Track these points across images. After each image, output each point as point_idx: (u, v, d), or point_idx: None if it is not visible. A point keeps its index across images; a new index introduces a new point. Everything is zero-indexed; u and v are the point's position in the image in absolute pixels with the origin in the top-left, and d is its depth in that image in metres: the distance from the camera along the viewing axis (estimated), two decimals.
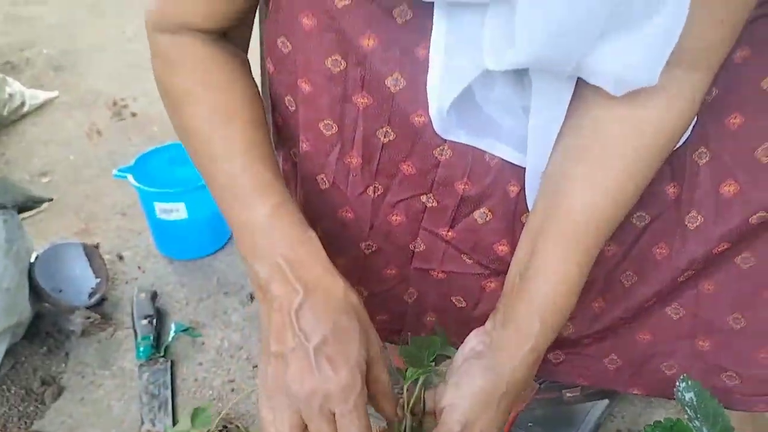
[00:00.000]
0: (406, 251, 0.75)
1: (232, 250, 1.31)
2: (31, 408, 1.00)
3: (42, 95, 1.80)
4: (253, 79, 0.70)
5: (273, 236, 0.61)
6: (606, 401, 0.98)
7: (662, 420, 0.65)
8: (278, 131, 0.76)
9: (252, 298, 1.20)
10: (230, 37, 0.69)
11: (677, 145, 0.63)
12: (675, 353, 0.76)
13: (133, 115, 1.76)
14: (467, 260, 0.74)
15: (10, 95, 1.71)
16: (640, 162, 0.59)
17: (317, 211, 0.74)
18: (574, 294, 0.62)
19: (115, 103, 1.80)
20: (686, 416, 0.65)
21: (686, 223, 0.67)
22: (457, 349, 0.68)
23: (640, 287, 0.72)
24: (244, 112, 0.66)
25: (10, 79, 1.75)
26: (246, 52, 0.72)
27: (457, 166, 0.67)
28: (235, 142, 0.64)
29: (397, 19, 0.59)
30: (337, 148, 0.68)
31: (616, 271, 0.72)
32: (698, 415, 0.64)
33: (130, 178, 1.21)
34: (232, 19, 0.66)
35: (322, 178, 0.71)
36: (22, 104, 1.74)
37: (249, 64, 0.71)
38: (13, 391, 1.00)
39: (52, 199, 1.10)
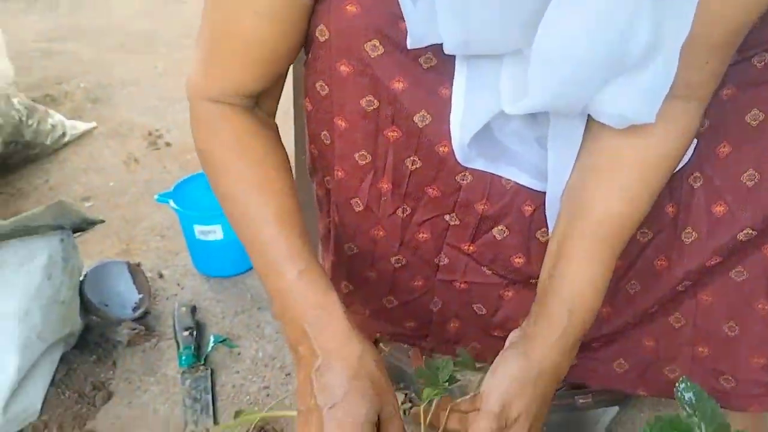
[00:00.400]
0: (431, 264, 0.83)
1: None
2: (84, 410, 1.08)
3: (81, 126, 1.92)
4: (283, 147, 0.76)
5: (298, 302, 0.66)
6: (616, 408, 1.05)
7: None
8: (313, 161, 0.84)
9: None
10: (262, 101, 0.75)
11: (676, 170, 0.72)
12: (677, 358, 0.83)
13: (168, 144, 1.88)
14: (487, 271, 0.82)
15: (53, 126, 1.82)
16: (647, 180, 0.68)
17: (352, 230, 0.83)
18: (598, 290, 0.69)
19: (150, 134, 1.92)
20: (685, 413, 0.72)
21: (683, 238, 0.76)
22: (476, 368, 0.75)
23: (643, 295, 0.80)
24: (277, 182, 0.72)
25: (51, 111, 1.86)
26: (274, 115, 0.78)
27: (477, 190, 0.75)
28: (269, 211, 0.70)
29: (423, 65, 0.68)
30: (370, 175, 0.76)
31: (622, 280, 0.80)
32: (696, 413, 0.71)
33: (171, 202, 1.32)
34: (268, 83, 0.72)
35: (356, 202, 0.79)
36: (63, 134, 1.85)
37: (278, 132, 0.77)
38: (67, 395, 1.09)
39: (103, 221, 1.20)
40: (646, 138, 0.66)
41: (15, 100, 1.71)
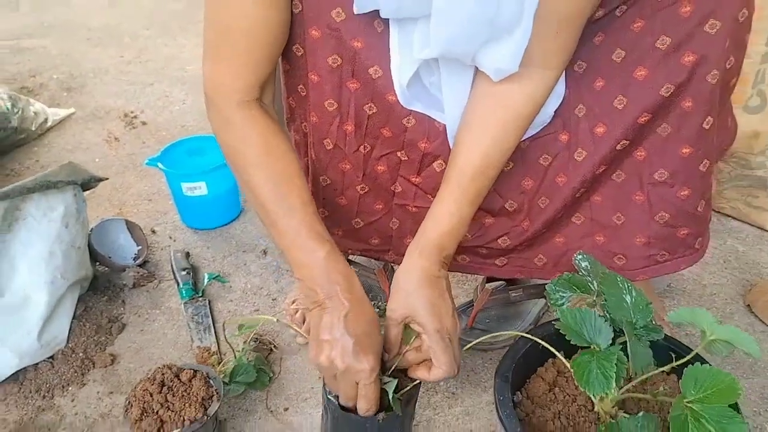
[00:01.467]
0: (389, 191, 1.03)
1: (244, 219, 1.61)
2: (103, 338, 1.27)
3: (62, 112, 2.08)
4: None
5: (330, 273, 0.86)
6: (543, 300, 1.29)
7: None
8: (291, 112, 1.04)
9: (265, 253, 1.50)
10: (263, 89, 0.92)
11: (550, 110, 0.92)
12: (581, 247, 1.03)
13: (144, 123, 2.05)
14: (431, 198, 1.00)
15: (35, 113, 1.98)
16: (502, 140, 0.87)
17: (325, 164, 1.02)
18: (453, 218, 0.89)
19: (126, 115, 2.09)
20: (581, 274, 0.95)
21: (575, 157, 0.95)
22: None
23: (551, 206, 1.00)
24: (298, 177, 0.90)
25: (32, 100, 2.02)
26: (273, 102, 0.95)
27: (419, 131, 0.93)
28: (294, 202, 0.88)
29: (376, 28, 0.85)
30: (337, 120, 0.96)
31: (535, 198, 1.00)
32: (590, 275, 0.94)
33: (160, 164, 1.51)
34: (273, 65, 0.90)
35: (327, 141, 0.99)
36: (46, 120, 2.01)
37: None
38: (87, 327, 1.28)
39: (107, 178, 1.38)
40: (508, 99, 0.85)
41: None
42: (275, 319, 1.02)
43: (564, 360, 0.87)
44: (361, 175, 1.02)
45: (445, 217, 0.90)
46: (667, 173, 0.93)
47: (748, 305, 1.28)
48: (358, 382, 0.83)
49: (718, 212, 1.52)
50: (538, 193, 0.99)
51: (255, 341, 1.24)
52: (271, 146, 0.89)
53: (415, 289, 0.87)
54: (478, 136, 0.88)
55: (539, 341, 0.88)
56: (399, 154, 0.97)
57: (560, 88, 0.91)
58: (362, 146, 0.98)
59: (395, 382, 0.86)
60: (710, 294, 1.34)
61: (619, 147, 0.92)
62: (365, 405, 0.84)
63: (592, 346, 0.74)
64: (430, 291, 0.87)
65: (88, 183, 1.30)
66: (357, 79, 0.91)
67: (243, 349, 1.17)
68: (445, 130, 0.93)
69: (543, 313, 1.30)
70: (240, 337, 1.21)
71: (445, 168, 0.95)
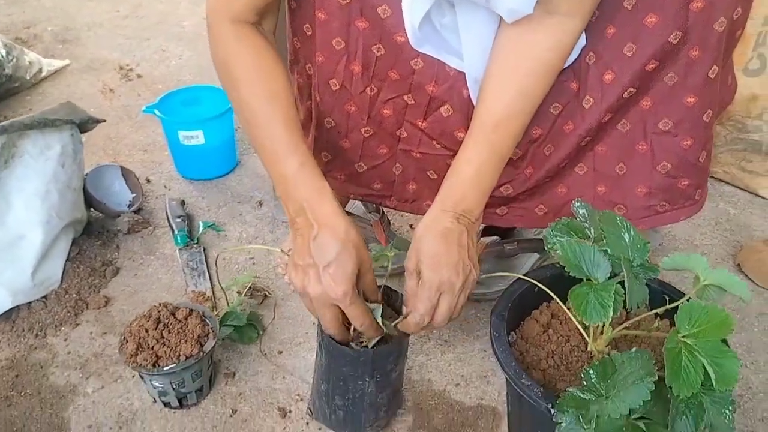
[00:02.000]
0: (394, 136, 1.02)
1: (240, 171, 1.60)
2: (97, 281, 1.27)
3: (56, 63, 2.05)
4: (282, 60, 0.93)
5: (300, 186, 0.86)
6: (536, 255, 1.30)
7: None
8: (296, 53, 1.03)
9: (261, 204, 1.49)
10: (264, 20, 0.92)
11: (567, 63, 0.91)
12: (582, 198, 1.01)
13: (139, 76, 2.03)
14: (437, 145, 1.01)
15: (30, 62, 1.95)
16: (527, 89, 0.87)
17: (330, 106, 1.01)
18: (473, 168, 0.88)
19: (121, 68, 2.06)
20: (579, 220, 0.95)
21: (584, 105, 0.95)
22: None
23: (556, 154, 1.00)
24: (285, 94, 0.90)
25: (26, 50, 1.99)
26: (273, 33, 0.95)
27: (427, 74, 0.93)
28: (278, 116, 0.88)
29: None
30: (344, 59, 0.95)
31: (541, 146, 1.00)
32: (587, 221, 0.95)
33: (157, 111, 1.49)
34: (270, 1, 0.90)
35: (333, 82, 0.98)
36: (40, 70, 1.98)
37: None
38: (81, 269, 1.27)
39: (105, 120, 1.37)
40: (534, 48, 0.85)
41: None
42: (278, 249, 1.01)
43: (559, 301, 0.88)
44: (366, 118, 1.01)
45: (463, 165, 0.89)
46: (671, 123, 0.94)
47: (738, 265, 1.30)
48: (335, 304, 0.83)
49: (712, 177, 1.53)
50: (545, 140, 0.99)
51: (252, 288, 1.24)
52: (261, 62, 0.90)
53: (421, 237, 0.87)
54: (503, 86, 0.88)
55: (535, 282, 0.89)
56: (406, 97, 0.97)
57: (581, 39, 0.91)
58: (368, 88, 0.97)
59: (380, 307, 0.86)
60: (701, 254, 1.33)
61: (625, 95, 0.93)
62: (357, 323, 0.84)
63: (590, 279, 0.75)
64: (435, 242, 0.86)
65: (85, 124, 1.29)
66: (366, 18, 0.90)
67: (237, 299, 1.17)
68: (456, 75, 0.93)
69: (535, 267, 1.30)
70: (235, 286, 1.21)
71: (452, 114, 0.95)
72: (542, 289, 0.86)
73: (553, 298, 0.84)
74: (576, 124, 0.97)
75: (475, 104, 0.92)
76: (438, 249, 0.86)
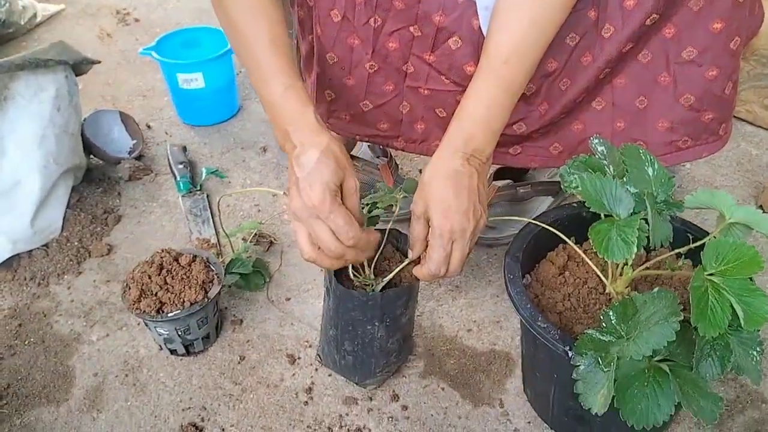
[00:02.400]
0: (400, 71, 0.98)
1: (243, 116, 1.55)
2: (99, 228, 1.24)
3: (51, 8, 1.99)
4: None
5: (284, 109, 0.83)
6: (550, 198, 1.26)
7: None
8: None
9: (265, 150, 1.45)
10: None
11: None
12: (600, 134, 1.00)
13: (137, 20, 1.97)
14: (445, 80, 0.96)
15: (24, 7, 1.89)
16: (537, 22, 0.82)
17: (332, 40, 0.97)
18: (483, 104, 0.83)
19: (118, 12, 2.00)
20: (598, 157, 0.91)
21: (603, 34, 0.90)
22: None
23: (572, 88, 0.95)
24: (273, 11, 0.86)
25: None
26: None
27: (433, 3, 0.89)
28: (264, 34, 0.84)
29: None
30: None
31: (557, 80, 0.95)
32: (606, 158, 0.91)
33: (154, 53, 1.44)
34: None
35: (335, 13, 0.93)
36: (35, 15, 1.92)
37: None
38: (83, 216, 1.24)
39: (100, 61, 1.31)
40: None
41: None
42: (281, 193, 0.98)
43: (573, 245, 0.85)
44: (371, 52, 0.96)
45: (472, 102, 0.84)
46: (695, 51, 0.89)
47: (761, 206, 1.25)
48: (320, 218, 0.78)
49: (733, 116, 1.47)
50: (561, 74, 0.94)
51: (258, 235, 1.21)
52: None
53: (430, 181, 0.82)
54: (515, 16, 0.82)
55: (546, 227, 0.85)
56: (412, 29, 0.92)
57: None
58: (372, 19, 0.92)
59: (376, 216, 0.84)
60: None
61: (648, 22, 0.87)
62: (342, 236, 0.78)
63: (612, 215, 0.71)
64: (443, 185, 0.81)
65: (79, 65, 1.24)
66: None
67: (243, 246, 1.14)
68: (465, 3, 0.88)
69: (553, 208, 1.26)
70: (240, 233, 1.18)
71: (461, 46, 0.90)
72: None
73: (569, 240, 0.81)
74: (594, 56, 0.92)
75: (485, 35, 0.87)
76: (448, 194, 0.81)
